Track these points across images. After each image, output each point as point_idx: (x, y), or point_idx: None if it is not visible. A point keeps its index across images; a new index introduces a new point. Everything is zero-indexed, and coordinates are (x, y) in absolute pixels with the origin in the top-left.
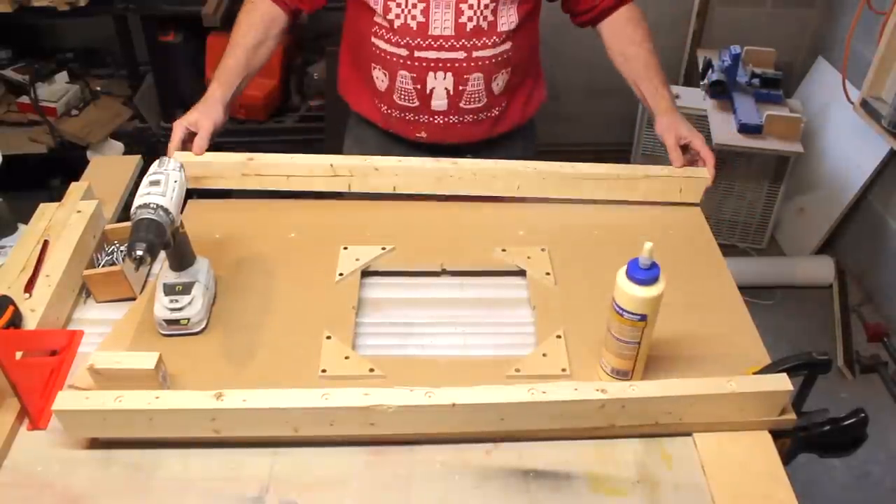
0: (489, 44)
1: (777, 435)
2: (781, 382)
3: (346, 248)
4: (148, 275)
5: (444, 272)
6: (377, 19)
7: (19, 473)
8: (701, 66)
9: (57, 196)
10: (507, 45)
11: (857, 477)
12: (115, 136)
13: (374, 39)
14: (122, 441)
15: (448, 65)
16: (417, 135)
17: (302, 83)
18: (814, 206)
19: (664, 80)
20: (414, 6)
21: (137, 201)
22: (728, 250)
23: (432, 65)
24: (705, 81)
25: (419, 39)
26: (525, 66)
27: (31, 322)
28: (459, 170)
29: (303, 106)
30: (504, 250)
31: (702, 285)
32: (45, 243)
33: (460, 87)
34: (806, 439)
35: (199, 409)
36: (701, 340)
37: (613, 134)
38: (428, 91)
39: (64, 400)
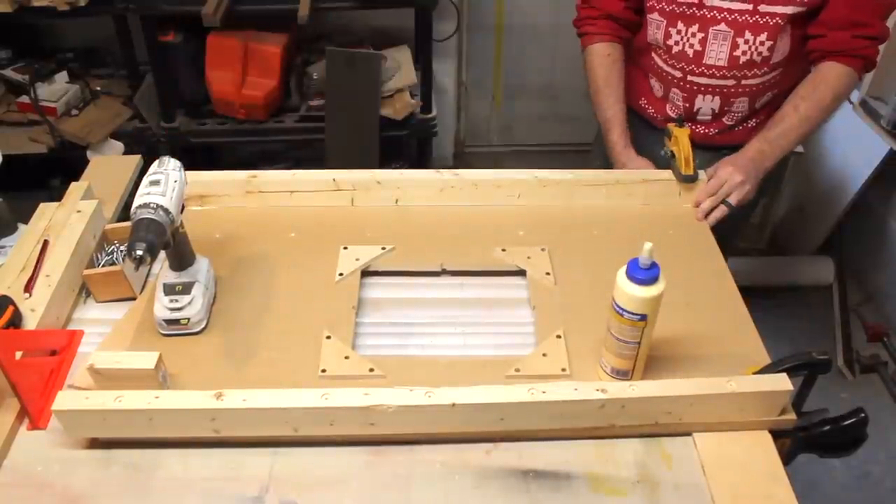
0: (759, 73)
1: (777, 435)
2: (781, 382)
3: (346, 248)
4: (148, 275)
5: (444, 272)
6: (657, 41)
7: (19, 473)
8: None
9: (57, 196)
10: (778, 71)
11: (857, 477)
12: (115, 136)
13: (653, 54)
14: (122, 441)
15: (717, 89)
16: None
17: (302, 83)
18: (814, 206)
19: (777, 135)
20: (693, 35)
21: (137, 201)
22: (728, 250)
23: (702, 88)
24: None
25: (693, 66)
26: (796, 84)
27: (31, 322)
28: (461, 181)
29: (303, 106)
30: (504, 250)
31: (702, 285)
32: (45, 243)
33: (725, 108)
34: (806, 439)
35: (199, 409)
36: (701, 340)
37: None
38: (695, 109)
39: (64, 400)
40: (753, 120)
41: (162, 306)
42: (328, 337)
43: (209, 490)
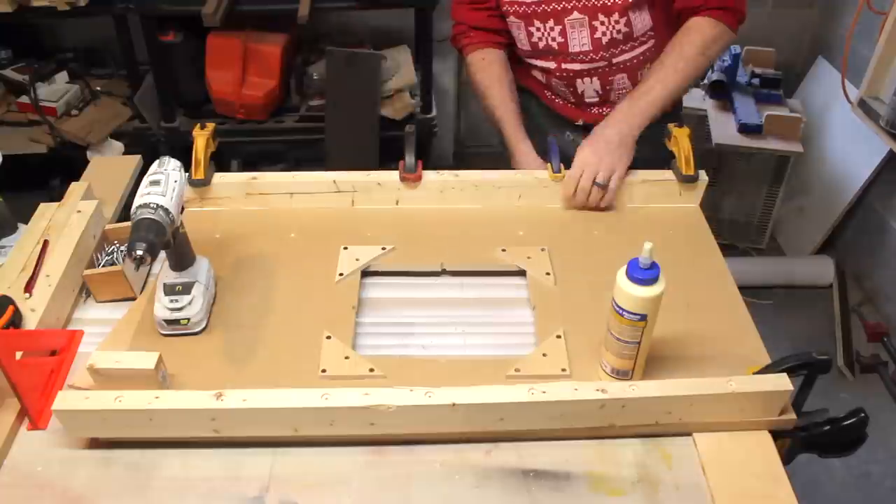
0: (627, 49)
1: (777, 435)
2: (781, 382)
3: (346, 248)
4: (148, 275)
5: (444, 272)
6: (521, 41)
7: (19, 473)
8: None
9: (57, 196)
10: (650, 44)
11: (857, 477)
12: (115, 136)
13: (520, 55)
14: (122, 441)
15: (592, 71)
16: (577, 122)
17: (302, 83)
18: (814, 206)
19: (642, 93)
20: (551, 29)
21: (137, 201)
22: (728, 250)
23: (578, 73)
24: (705, 81)
25: (561, 56)
26: None
27: (31, 322)
28: (461, 182)
29: (303, 106)
30: (504, 250)
31: (702, 285)
32: (45, 243)
33: (607, 87)
34: (806, 439)
35: (199, 409)
36: (701, 340)
37: None
38: (580, 91)
39: (64, 400)
40: None
41: (162, 306)
42: (328, 337)
43: (209, 490)
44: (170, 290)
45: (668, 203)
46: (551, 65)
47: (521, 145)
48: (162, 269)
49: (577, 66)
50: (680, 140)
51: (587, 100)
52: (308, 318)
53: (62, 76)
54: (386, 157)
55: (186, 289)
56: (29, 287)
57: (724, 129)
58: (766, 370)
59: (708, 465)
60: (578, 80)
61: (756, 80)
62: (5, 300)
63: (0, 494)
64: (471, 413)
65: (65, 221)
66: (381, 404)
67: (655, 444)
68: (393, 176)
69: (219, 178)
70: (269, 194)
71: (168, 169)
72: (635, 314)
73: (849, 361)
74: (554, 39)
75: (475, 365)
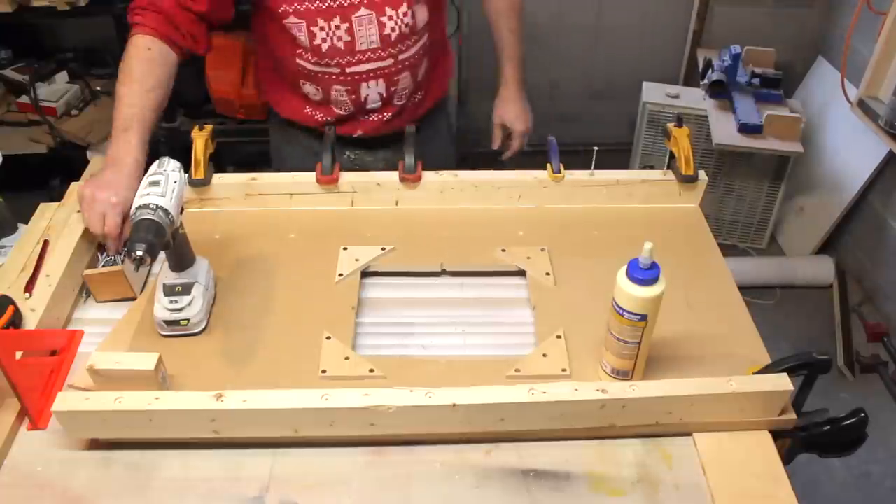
0: (411, 44)
1: (777, 435)
2: (781, 382)
3: (345, 249)
4: (148, 275)
5: (444, 272)
6: (301, 45)
7: (19, 473)
8: (701, 66)
9: (57, 196)
10: (426, 37)
11: (857, 477)
12: None
13: (300, 62)
14: (122, 441)
15: (378, 72)
16: (355, 135)
17: None
18: (814, 206)
19: (518, 56)
20: (338, 27)
21: (137, 202)
22: (728, 250)
23: (364, 76)
24: (705, 81)
25: (348, 57)
26: (440, 43)
27: (31, 322)
28: (461, 182)
29: None
30: (504, 250)
31: (702, 285)
32: (45, 243)
33: (392, 89)
34: (806, 439)
35: (199, 410)
36: (701, 340)
37: (613, 134)
38: (362, 98)
39: (64, 401)
40: (420, 93)
41: (162, 307)
42: (328, 337)
43: (209, 490)
44: (169, 290)
45: (667, 203)
46: (334, 70)
47: (126, 156)
48: (162, 269)
49: (362, 68)
50: (679, 140)
51: (369, 106)
52: (308, 318)
53: (62, 76)
54: None
55: (186, 289)
56: (29, 287)
57: (724, 129)
58: (766, 370)
59: (708, 465)
60: (363, 84)
61: (756, 80)
62: (5, 300)
63: (0, 494)
64: (471, 413)
65: (65, 221)
66: (381, 405)
67: (655, 444)
68: (392, 176)
69: (218, 178)
70: (268, 195)
71: (168, 170)
72: (635, 314)
73: (849, 361)
74: (340, 39)
75: (475, 365)
